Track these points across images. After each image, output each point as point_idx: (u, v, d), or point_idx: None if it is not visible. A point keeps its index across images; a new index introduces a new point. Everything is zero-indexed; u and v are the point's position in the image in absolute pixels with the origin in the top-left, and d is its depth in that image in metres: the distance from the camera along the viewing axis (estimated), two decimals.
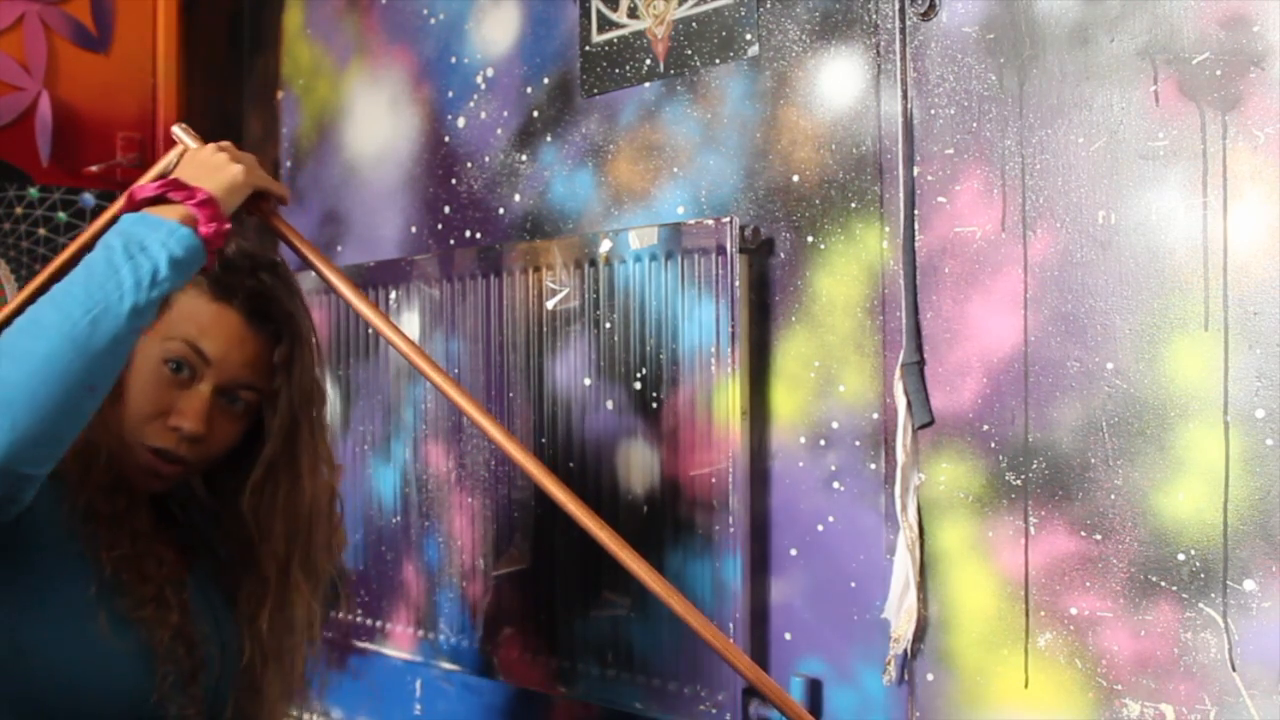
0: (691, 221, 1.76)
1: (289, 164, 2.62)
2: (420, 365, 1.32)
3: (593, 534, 1.24)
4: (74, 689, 1.25)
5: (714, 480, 1.71)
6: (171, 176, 1.25)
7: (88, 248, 1.28)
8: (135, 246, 1.16)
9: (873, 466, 1.63)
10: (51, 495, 1.25)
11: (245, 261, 1.36)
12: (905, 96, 1.59)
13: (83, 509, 1.27)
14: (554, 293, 1.92)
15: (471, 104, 2.19)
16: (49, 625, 1.25)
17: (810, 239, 1.70)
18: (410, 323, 2.14)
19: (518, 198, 2.11)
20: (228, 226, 1.23)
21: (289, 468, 1.37)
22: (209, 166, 1.27)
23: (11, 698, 1.25)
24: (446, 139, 2.24)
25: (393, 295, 2.17)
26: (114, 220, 1.27)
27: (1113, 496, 1.41)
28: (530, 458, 1.25)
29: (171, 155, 1.36)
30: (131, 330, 1.14)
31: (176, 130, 1.37)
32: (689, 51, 1.85)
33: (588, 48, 1.99)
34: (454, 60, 2.23)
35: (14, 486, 1.11)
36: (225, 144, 1.34)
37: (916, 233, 1.58)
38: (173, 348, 1.29)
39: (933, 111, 1.57)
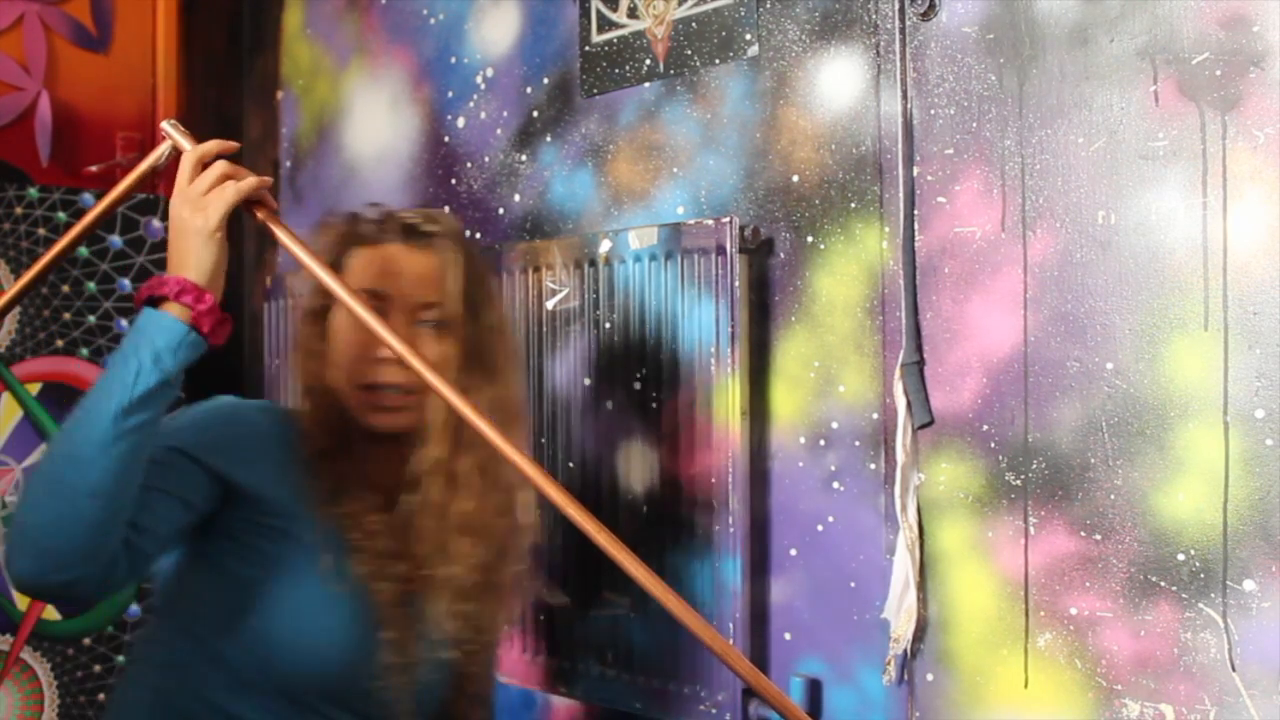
0: (691, 221, 1.76)
1: (289, 164, 2.62)
2: (414, 364, 1.31)
3: (590, 536, 1.23)
4: (290, 638, 1.35)
5: (714, 480, 1.71)
6: (166, 274, 1.26)
7: (75, 244, 1.34)
8: (123, 355, 1.22)
9: (873, 466, 1.63)
10: (280, 465, 1.38)
11: (388, 212, 1.47)
12: (905, 96, 1.59)
13: (313, 474, 1.38)
14: (554, 293, 1.92)
15: (471, 104, 2.19)
16: (273, 584, 1.35)
17: (810, 239, 1.70)
18: None
19: (518, 198, 2.11)
20: (229, 325, 1.28)
21: (482, 368, 1.44)
22: (188, 238, 1.26)
23: (233, 655, 1.35)
24: (446, 139, 2.24)
25: None
26: (101, 218, 1.34)
27: (1113, 496, 1.41)
28: (525, 459, 1.25)
29: (161, 150, 1.35)
30: (119, 435, 1.19)
31: (165, 126, 1.35)
32: (689, 51, 1.85)
33: (587, 48, 1.99)
34: (454, 60, 2.23)
35: (61, 588, 1.21)
36: (208, 153, 1.30)
37: (916, 233, 1.58)
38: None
39: (933, 111, 1.57)
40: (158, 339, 1.21)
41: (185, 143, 1.34)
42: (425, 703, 1.45)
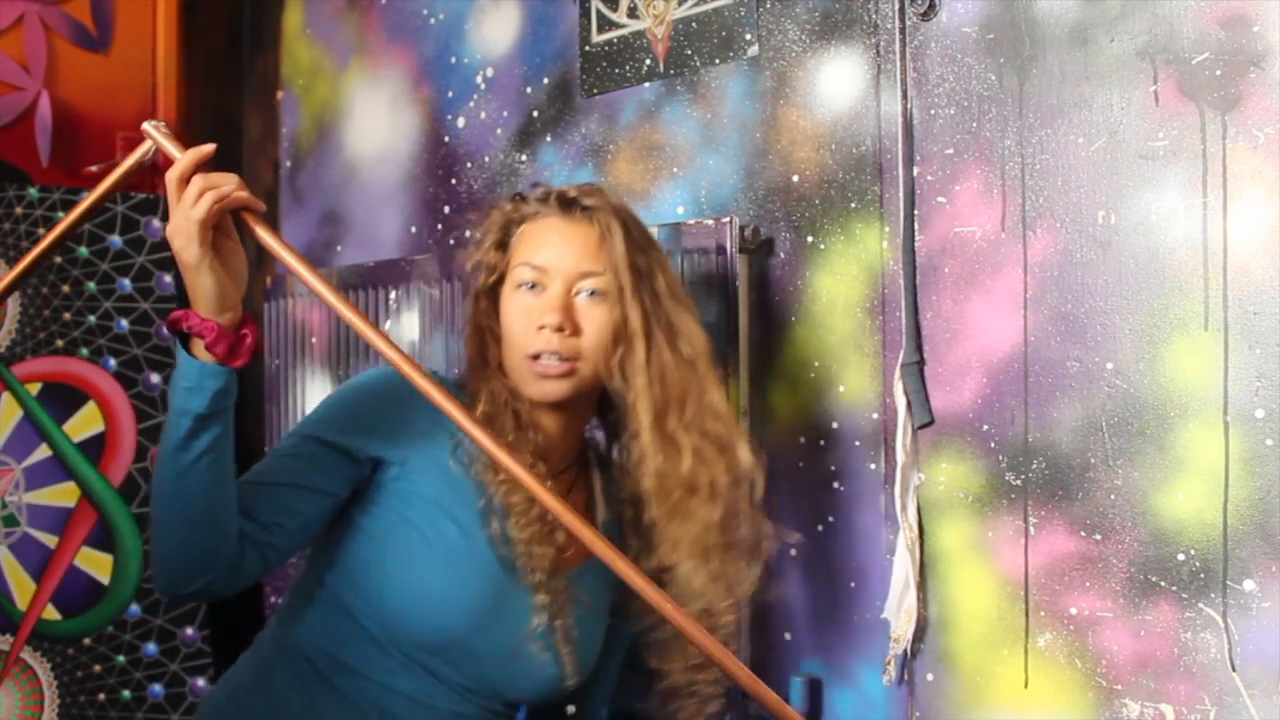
0: (691, 221, 1.76)
1: (289, 164, 2.62)
2: (407, 371, 1.31)
3: (587, 541, 1.23)
4: (439, 602, 1.37)
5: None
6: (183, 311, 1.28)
7: (66, 236, 1.36)
8: (172, 392, 1.29)
9: (873, 466, 1.63)
10: (429, 432, 1.41)
11: (546, 190, 1.50)
12: (905, 96, 1.59)
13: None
14: None
15: (471, 104, 2.19)
16: (403, 543, 1.39)
17: (810, 239, 1.70)
18: (410, 323, 2.14)
19: None
20: (249, 340, 1.30)
21: (646, 337, 1.44)
22: (185, 271, 1.27)
23: (359, 608, 1.39)
24: (446, 139, 2.24)
25: (392, 295, 2.17)
26: (90, 210, 1.35)
27: (1113, 496, 1.41)
28: (519, 462, 1.25)
29: (140, 151, 1.32)
30: (182, 472, 1.26)
31: (147, 127, 1.33)
32: (689, 51, 1.85)
33: (588, 48, 1.99)
34: (454, 60, 2.23)
35: (198, 594, 1.31)
36: (185, 169, 1.28)
37: (916, 233, 1.58)
38: (520, 274, 1.43)
39: (933, 111, 1.57)
40: (182, 378, 1.27)
41: (168, 146, 1.31)
42: (556, 687, 1.45)
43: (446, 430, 1.39)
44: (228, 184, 1.27)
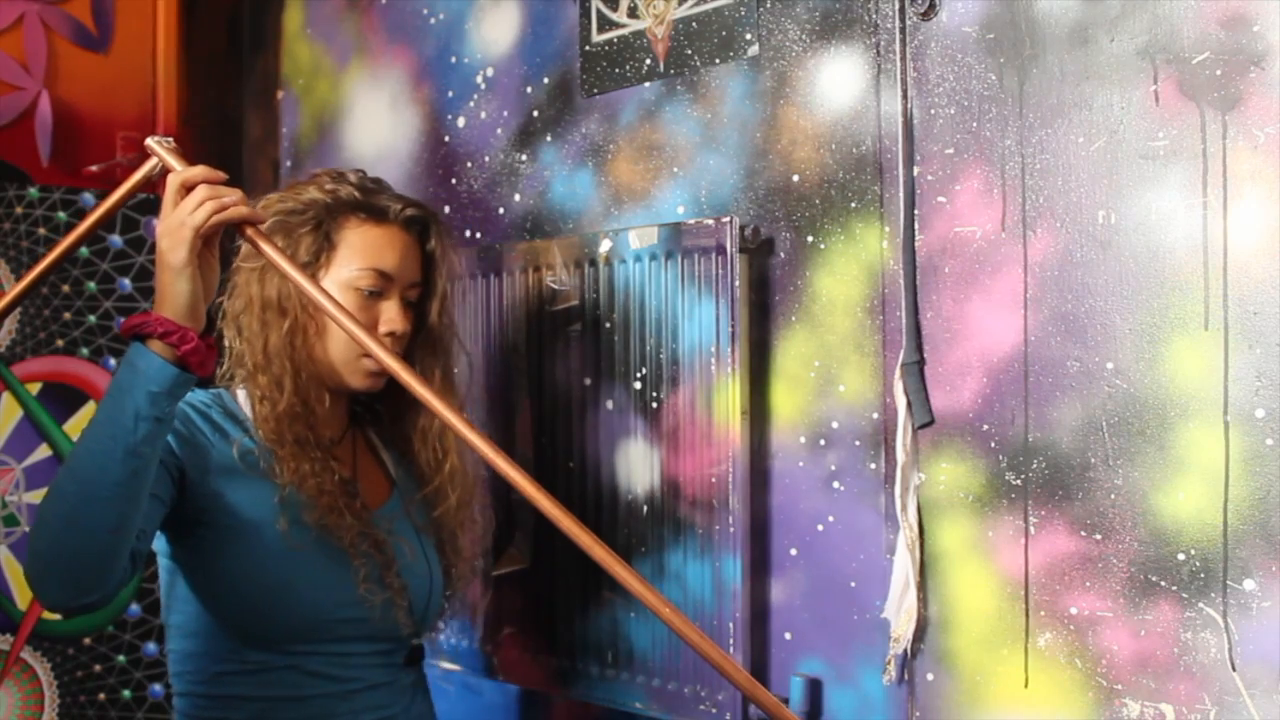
0: (691, 221, 1.76)
1: (289, 164, 2.62)
2: (407, 380, 1.33)
3: (584, 546, 1.24)
4: (281, 594, 1.49)
5: (714, 480, 1.71)
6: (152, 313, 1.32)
7: (74, 247, 1.39)
8: (119, 391, 1.31)
9: (873, 466, 1.63)
10: (222, 437, 1.52)
11: (374, 185, 1.63)
12: (905, 96, 1.59)
13: (267, 439, 1.52)
14: (555, 292, 1.92)
15: (471, 104, 2.19)
16: (244, 546, 1.49)
17: (810, 239, 1.70)
18: None
19: (518, 198, 2.11)
20: (214, 352, 1.38)
21: (441, 339, 1.66)
22: (164, 272, 1.32)
23: (231, 619, 1.50)
24: (446, 139, 2.24)
25: None
26: (93, 228, 1.40)
27: (1113, 496, 1.41)
28: (515, 468, 1.25)
29: (146, 168, 1.34)
30: (129, 475, 1.29)
31: (151, 143, 1.35)
32: (689, 51, 1.85)
33: (588, 47, 1.99)
34: (454, 60, 2.23)
35: (86, 608, 1.33)
36: (191, 178, 1.32)
37: (916, 233, 1.58)
38: (363, 278, 1.55)
39: (933, 111, 1.57)
40: (151, 383, 1.28)
41: (174, 162, 1.32)
42: (423, 611, 1.64)
43: (229, 441, 1.51)
44: (230, 197, 1.30)
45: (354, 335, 1.35)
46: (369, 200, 1.59)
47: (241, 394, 1.58)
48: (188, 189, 1.31)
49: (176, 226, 1.29)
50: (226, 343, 1.56)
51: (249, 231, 1.34)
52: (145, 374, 1.29)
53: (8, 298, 1.38)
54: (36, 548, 1.30)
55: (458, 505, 1.67)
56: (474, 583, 1.87)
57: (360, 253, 1.56)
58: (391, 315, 1.56)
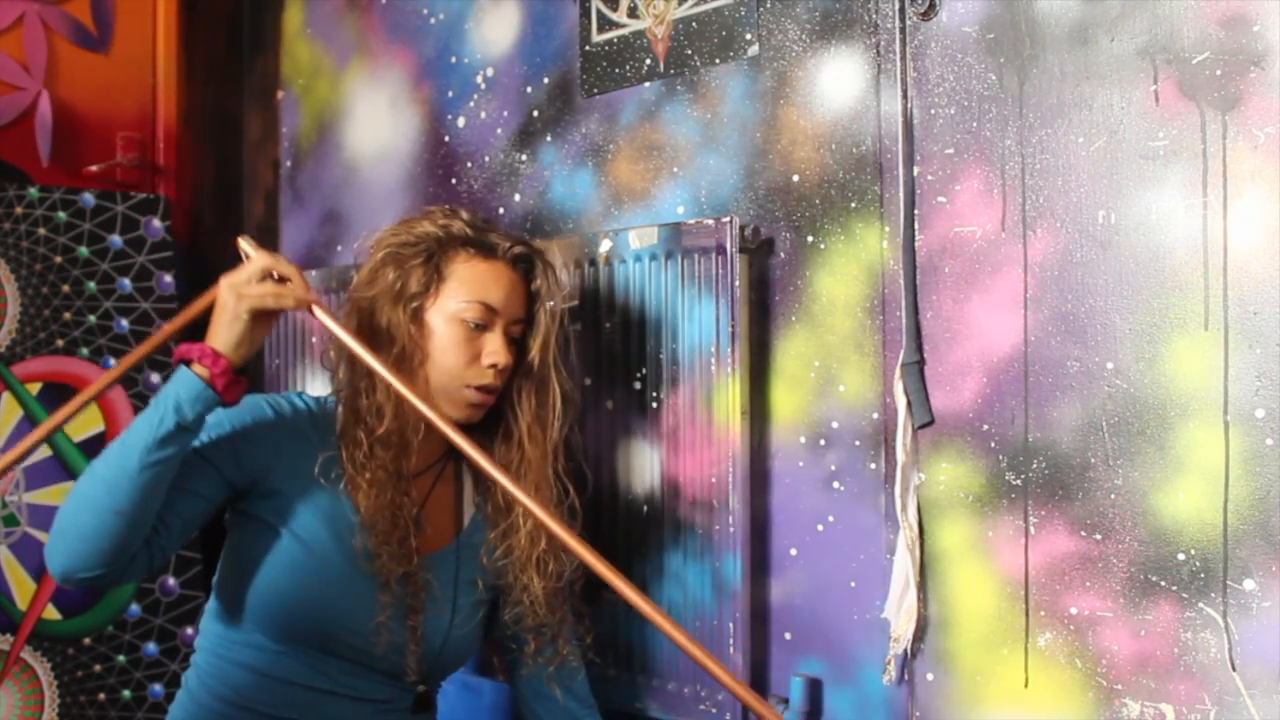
0: (691, 221, 1.76)
1: (289, 164, 2.62)
2: (434, 420, 1.46)
3: (579, 556, 1.27)
4: (297, 596, 1.55)
5: (714, 480, 1.71)
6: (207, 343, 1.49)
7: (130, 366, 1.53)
8: (160, 400, 1.48)
9: (873, 466, 1.63)
10: (304, 441, 1.60)
11: (485, 224, 1.68)
12: (905, 96, 1.59)
13: (351, 460, 1.58)
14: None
15: (471, 104, 2.19)
16: (286, 547, 1.56)
17: (810, 239, 1.70)
18: None
19: (518, 198, 2.11)
20: (242, 383, 1.51)
21: (546, 377, 1.67)
22: (222, 314, 1.49)
23: (250, 604, 1.56)
24: (446, 139, 2.24)
25: None
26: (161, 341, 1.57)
27: (1113, 496, 1.41)
28: (510, 477, 1.29)
29: (251, 266, 1.52)
30: (143, 467, 1.43)
31: (242, 243, 1.55)
32: (689, 51, 1.85)
33: (588, 47, 1.99)
34: (454, 60, 2.23)
35: (88, 581, 1.46)
36: (271, 267, 1.51)
37: (916, 232, 1.58)
38: (469, 311, 1.60)
39: (933, 111, 1.57)
40: (180, 392, 1.46)
41: (254, 254, 1.52)
42: (431, 662, 1.64)
43: (314, 450, 1.58)
44: (288, 295, 1.49)
45: (409, 400, 1.47)
46: (479, 236, 1.64)
47: (343, 410, 1.63)
48: (267, 272, 1.50)
49: (238, 294, 1.48)
50: (335, 364, 1.65)
51: (314, 310, 1.51)
52: (178, 385, 1.46)
53: (43, 430, 1.53)
54: (58, 520, 1.47)
55: (528, 542, 1.65)
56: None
57: (468, 286, 1.61)
58: (495, 347, 1.60)
